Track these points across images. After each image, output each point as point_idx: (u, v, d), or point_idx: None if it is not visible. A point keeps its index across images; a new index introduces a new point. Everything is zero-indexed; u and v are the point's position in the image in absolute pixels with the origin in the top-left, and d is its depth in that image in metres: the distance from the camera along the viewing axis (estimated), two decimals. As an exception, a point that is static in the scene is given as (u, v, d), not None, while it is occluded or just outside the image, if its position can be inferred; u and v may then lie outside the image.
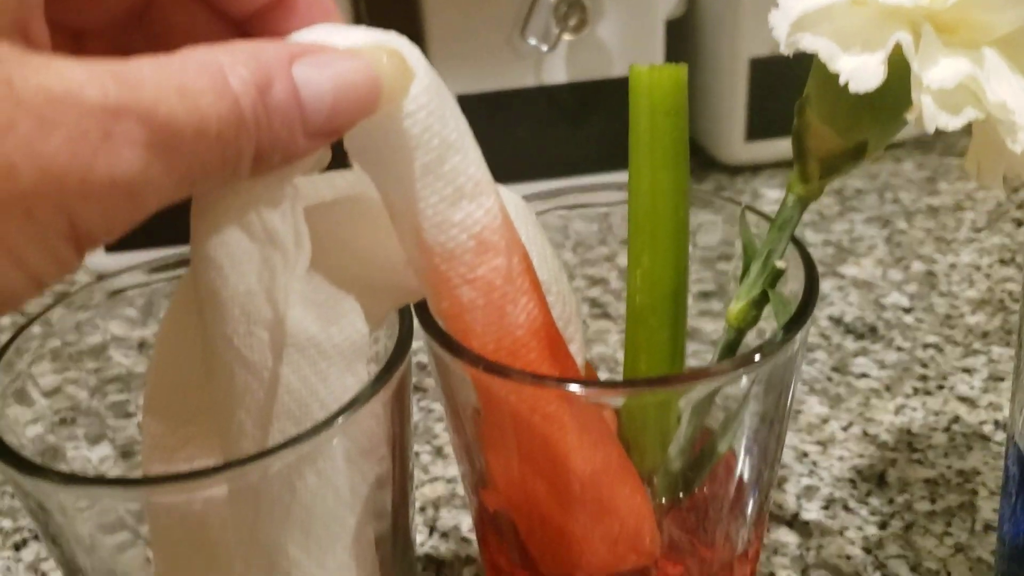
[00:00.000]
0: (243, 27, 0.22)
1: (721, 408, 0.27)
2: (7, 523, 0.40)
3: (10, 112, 0.14)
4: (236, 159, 0.17)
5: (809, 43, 0.20)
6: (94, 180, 0.15)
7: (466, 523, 0.38)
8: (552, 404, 0.22)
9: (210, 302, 0.19)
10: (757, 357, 0.22)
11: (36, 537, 0.39)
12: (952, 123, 0.19)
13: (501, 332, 0.22)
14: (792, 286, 0.26)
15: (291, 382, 0.20)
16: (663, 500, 0.27)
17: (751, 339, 0.27)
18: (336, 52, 0.19)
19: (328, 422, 0.20)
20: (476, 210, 0.21)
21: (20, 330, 0.25)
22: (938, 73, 0.19)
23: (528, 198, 0.28)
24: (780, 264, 0.24)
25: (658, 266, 0.26)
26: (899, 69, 0.20)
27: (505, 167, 0.58)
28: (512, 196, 0.26)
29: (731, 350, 0.26)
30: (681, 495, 0.28)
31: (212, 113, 0.16)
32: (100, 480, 0.20)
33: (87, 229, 0.15)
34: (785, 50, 0.20)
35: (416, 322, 0.24)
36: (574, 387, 0.22)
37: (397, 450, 0.25)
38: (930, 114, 0.19)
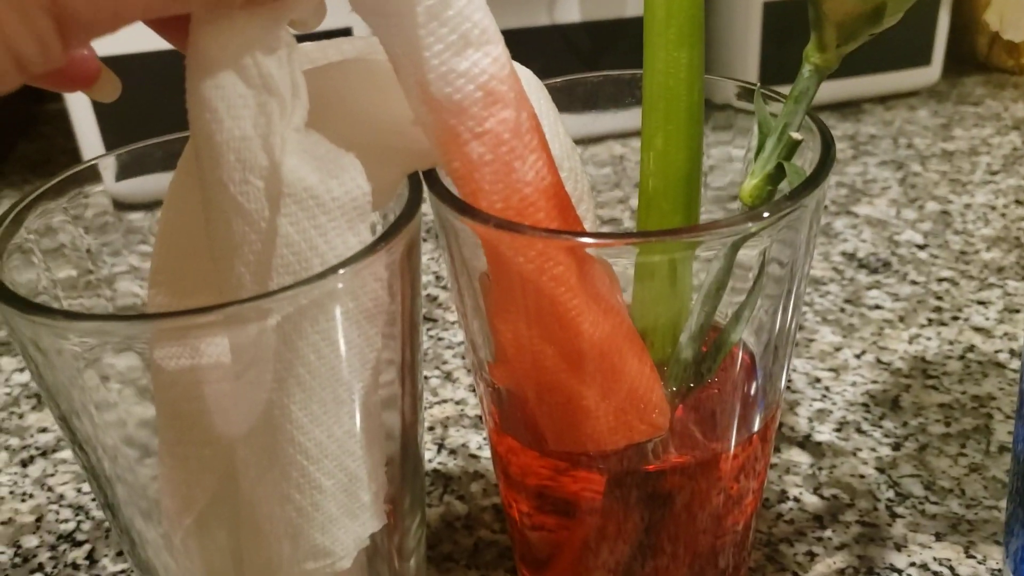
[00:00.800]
0: None
1: (732, 302, 0.26)
2: (14, 441, 0.40)
3: None
4: None
5: None
6: None
7: (474, 441, 0.38)
8: (562, 262, 0.22)
9: (205, 147, 0.19)
10: (767, 213, 0.21)
11: (43, 455, 0.39)
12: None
13: (509, 190, 0.21)
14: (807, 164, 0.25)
15: (289, 234, 0.20)
16: (674, 389, 0.27)
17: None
18: None
19: (329, 272, 0.20)
20: (483, 59, 0.21)
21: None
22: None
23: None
24: (796, 135, 0.24)
25: (672, 148, 0.26)
26: (921, -89, 0.19)
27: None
28: (523, 70, 0.25)
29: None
30: (692, 385, 0.27)
31: None
32: (103, 316, 0.19)
33: (72, 13, 0.15)
34: None
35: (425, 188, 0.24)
36: (586, 239, 0.21)
37: (407, 331, 0.24)
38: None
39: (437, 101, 0.21)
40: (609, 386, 0.23)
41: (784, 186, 0.25)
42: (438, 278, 0.50)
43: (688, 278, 0.25)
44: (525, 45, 0.56)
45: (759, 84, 0.26)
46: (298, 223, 0.20)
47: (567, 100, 0.31)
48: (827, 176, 0.22)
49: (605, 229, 0.48)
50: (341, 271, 0.20)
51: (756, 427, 0.28)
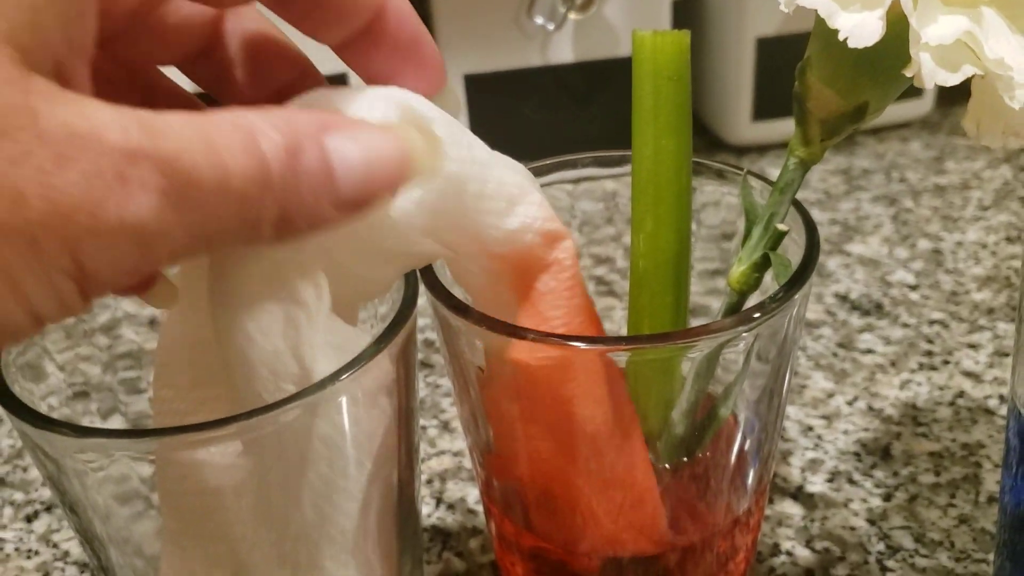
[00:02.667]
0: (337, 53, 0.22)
1: (723, 374, 0.27)
2: (19, 495, 0.41)
3: (29, 142, 0.14)
4: (257, 220, 0.17)
5: (809, 0, 0.20)
6: (103, 220, 0.15)
7: (472, 495, 0.39)
8: (560, 362, 0.22)
9: (239, 363, 0.20)
10: (757, 314, 0.22)
11: (48, 509, 0.40)
12: (950, 79, 0.19)
13: (572, 312, 0.23)
14: (794, 256, 0.26)
15: (320, 426, 0.21)
16: (666, 465, 0.27)
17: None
18: (369, 125, 0.19)
19: (333, 377, 0.21)
20: (529, 208, 0.22)
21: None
22: (937, 30, 0.19)
23: (530, 167, 0.28)
24: (782, 227, 0.25)
25: (661, 230, 0.26)
26: (898, 27, 0.20)
27: (511, 147, 0.58)
28: (511, 162, 0.26)
29: (733, 313, 0.26)
30: (684, 460, 0.28)
31: (237, 170, 0.16)
32: (111, 432, 0.20)
33: (93, 271, 0.15)
34: (784, 8, 0.21)
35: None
36: (579, 343, 0.22)
37: (403, 415, 0.25)
38: (929, 71, 0.19)
39: (504, 258, 0.22)
40: (604, 486, 0.24)
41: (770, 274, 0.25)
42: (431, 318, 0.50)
43: (678, 368, 0.26)
44: (519, 86, 0.57)
45: (745, 170, 0.27)
46: (328, 415, 0.21)
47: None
48: (813, 271, 0.23)
49: (600, 268, 0.49)
50: (344, 376, 0.21)
51: (749, 491, 0.29)
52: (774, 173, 0.63)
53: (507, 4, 0.54)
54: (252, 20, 0.23)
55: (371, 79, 0.22)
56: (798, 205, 0.25)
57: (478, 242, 0.22)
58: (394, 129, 0.19)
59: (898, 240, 0.54)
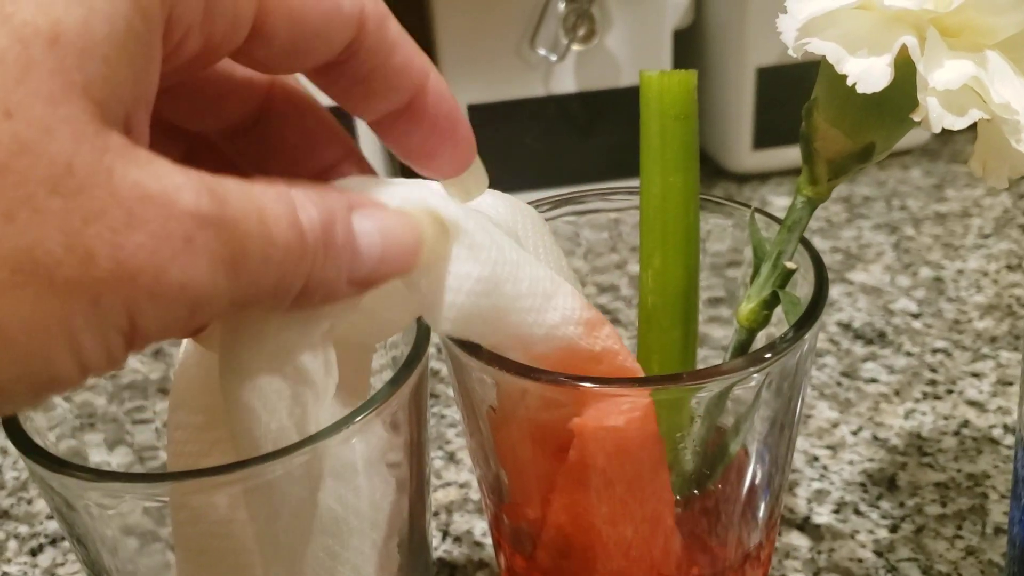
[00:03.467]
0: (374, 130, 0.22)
1: (734, 405, 0.27)
2: (24, 529, 0.41)
3: (103, 200, 0.15)
4: (287, 290, 0.17)
5: (817, 46, 0.20)
6: (165, 282, 0.15)
7: (479, 527, 0.39)
8: (573, 404, 0.22)
9: (244, 439, 0.20)
10: (768, 355, 0.22)
11: (52, 543, 0.40)
12: (957, 123, 0.20)
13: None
14: (802, 289, 0.26)
15: (326, 501, 0.21)
16: (677, 497, 0.28)
17: (760, 342, 0.27)
18: (388, 210, 0.19)
19: (346, 421, 0.21)
20: (566, 299, 0.22)
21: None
22: (943, 75, 0.20)
23: (536, 204, 0.28)
24: (790, 265, 0.25)
25: (669, 267, 0.27)
26: (905, 71, 0.20)
27: (514, 176, 0.58)
28: (522, 204, 0.26)
29: (742, 350, 0.26)
30: (695, 493, 0.28)
31: (282, 241, 0.17)
32: (125, 475, 0.20)
33: (144, 329, 0.15)
34: (793, 53, 0.21)
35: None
36: (589, 384, 0.22)
37: (415, 452, 0.25)
38: (936, 115, 0.20)
39: (548, 357, 0.22)
40: (625, 530, 0.24)
41: (779, 311, 0.26)
42: (439, 350, 0.50)
43: (688, 405, 0.26)
44: (521, 115, 0.57)
45: (752, 207, 0.27)
46: (335, 490, 0.21)
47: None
48: (822, 309, 0.23)
49: (604, 297, 0.49)
50: (357, 419, 0.21)
51: (760, 524, 0.29)
52: (775, 201, 0.64)
53: (510, 35, 0.54)
54: (300, 98, 0.23)
55: (405, 155, 0.22)
56: (806, 243, 0.25)
57: (521, 342, 0.22)
58: (410, 216, 0.20)
59: (900, 268, 0.54)
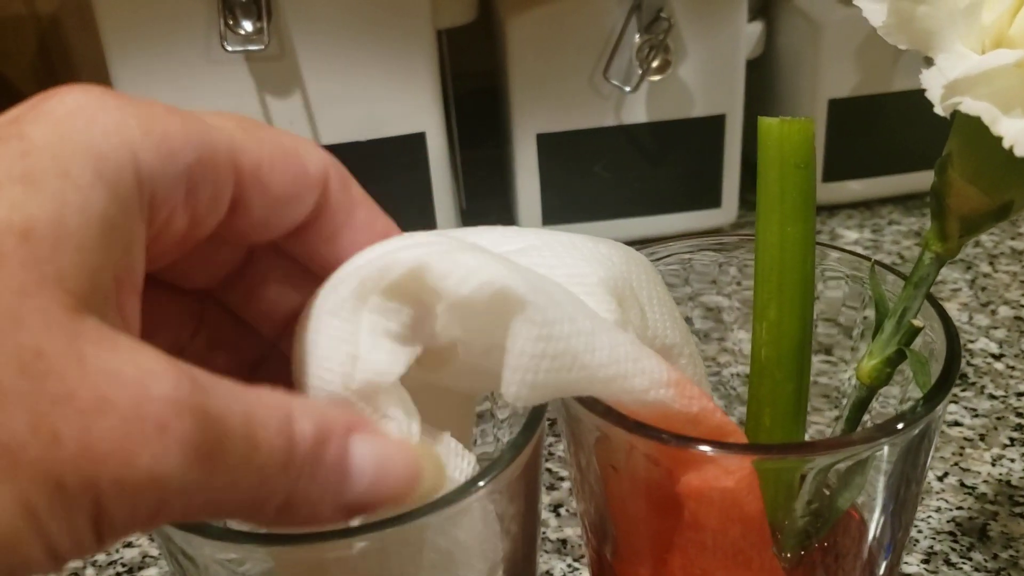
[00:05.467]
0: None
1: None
2: (100, 556, 0.41)
3: (73, 383, 0.14)
4: (266, 499, 0.17)
5: (970, 106, 0.19)
6: (133, 471, 0.15)
7: (558, 568, 0.38)
8: (694, 469, 0.22)
9: None
10: (900, 425, 0.21)
11: (130, 571, 0.40)
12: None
13: (702, 427, 0.22)
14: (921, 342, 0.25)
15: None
16: (787, 555, 0.27)
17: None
18: (388, 437, 0.19)
19: (456, 495, 0.20)
20: (650, 362, 0.21)
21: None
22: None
23: (651, 254, 0.28)
24: (917, 322, 0.24)
25: (785, 318, 0.26)
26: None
27: (581, 204, 0.58)
28: (635, 253, 0.25)
29: (861, 408, 0.25)
30: (802, 552, 0.27)
31: (265, 445, 0.16)
32: (245, 536, 0.20)
33: (110, 517, 0.15)
34: (941, 111, 0.20)
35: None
36: (704, 448, 0.22)
37: (527, 520, 0.25)
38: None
39: (644, 416, 0.22)
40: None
41: (904, 366, 0.25)
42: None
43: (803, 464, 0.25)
44: (591, 144, 0.57)
45: (872, 259, 0.26)
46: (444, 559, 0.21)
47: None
48: (956, 375, 0.23)
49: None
50: (481, 483, 0.21)
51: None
52: (845, 234, 0.63)
53: (583, 65, 0.54)
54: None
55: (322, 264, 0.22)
56: (933, 301, 0.25)
57: (620, 406, 0.21)
58: (410, 448, 0.19)
59: (977, 307, 0.53)
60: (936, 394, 0.22)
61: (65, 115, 0.16)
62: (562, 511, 0.41)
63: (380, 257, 0.20)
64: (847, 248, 0.28)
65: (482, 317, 0.20)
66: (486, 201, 0.66)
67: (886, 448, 0.23)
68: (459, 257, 0.20)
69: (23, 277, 0.15)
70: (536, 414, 0.23)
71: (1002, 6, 0.21)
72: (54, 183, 0.15)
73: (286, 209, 0.20)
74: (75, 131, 0.16)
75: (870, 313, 0.29)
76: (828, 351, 0.30)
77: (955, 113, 0.21)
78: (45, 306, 0.15)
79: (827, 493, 0.27)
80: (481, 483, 0.21)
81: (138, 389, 0.15)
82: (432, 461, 0.20)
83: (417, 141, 0.52)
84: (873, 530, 0.26)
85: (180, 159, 0.17)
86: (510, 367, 0.20)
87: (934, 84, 0.20)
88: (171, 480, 0.15)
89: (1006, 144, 0.19)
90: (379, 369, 0.20)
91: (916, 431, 0.22)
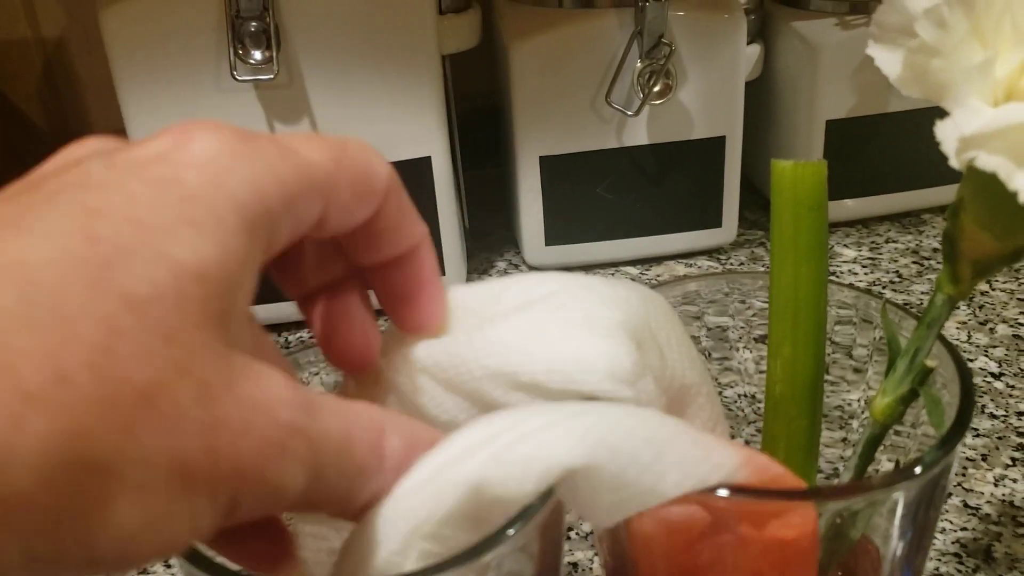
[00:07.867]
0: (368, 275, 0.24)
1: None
2: None
3: (228, 410, 0.17)
4: (353, 500, 0.20)
5: (986, 161, 0.20)
6: (262, 485, 0.17)
7: (571, 594, 0.39)
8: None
9: None
10: (918, 468, 0.22)
11: (144, 600, 0.40)
12: None
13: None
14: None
15: None
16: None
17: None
18: None
19: (474, 553, 0.21)
20: (719, 454, 0.22)
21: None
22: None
23: (664, 290, 0.28)
24: (930, 362, 0.25)
25: (799, 356, 0.27)
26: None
27: (584, 224, 0.58)
28: (652, 294, 0.26)
29: (874, 445, 0.26)
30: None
31: (358, 461, 0.19)
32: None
33: (239, 514, 0.18)
34: (956, 164, 0.21)
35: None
36: (723, 492, 0.22)
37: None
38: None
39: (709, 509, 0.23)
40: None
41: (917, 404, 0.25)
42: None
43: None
44: (593, 166, 0.57)
45: (884, 299, 0.27)
46: None
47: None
48: (971, 416, 0.23)
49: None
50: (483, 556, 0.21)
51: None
52: (843, 252, 0.63)
53: (585, 90, 0.55)
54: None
55: (386, 297, 0.24)
56: (944, 341, 0.25)
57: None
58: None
59: (976, 325, 0.54)
60: (953, 436, 0.23)
61: (208, 161, 0.18)
62: (572, 534, 0.42)
63: (432, 479, 0.20)
64: (857, 287, 0.28)
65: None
66: (488, 220, 0.66)
67: (903, 491, 0.23)
68: (514, 452, 0.20)
69: (197, 316, 0.17)
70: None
71: (1015, 59, 0.21)
72: (214, 229, 0.17)
73: (351, 219, 0.22)
74: (220, 178, 0.18)
75: (874, 334, 0.29)
76: (827, 370, 0.31)
77: (970, 165, 0.22)
78: (211, 342, 0.17)
79: (839, 522, 0.27)
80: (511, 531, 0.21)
81: (269, 415, 0.18)
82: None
83: (424, 165, 0.53)
84: (891, 558, 0.26)
85: (297, 204, 0.20)
86: (588, 516, 0.22)
87: (949, 137, 0.21)
88: (287, 491, 0.18)
89: (1021, 199, 0.20)
90: None
91: (934, 472, 0.23)
